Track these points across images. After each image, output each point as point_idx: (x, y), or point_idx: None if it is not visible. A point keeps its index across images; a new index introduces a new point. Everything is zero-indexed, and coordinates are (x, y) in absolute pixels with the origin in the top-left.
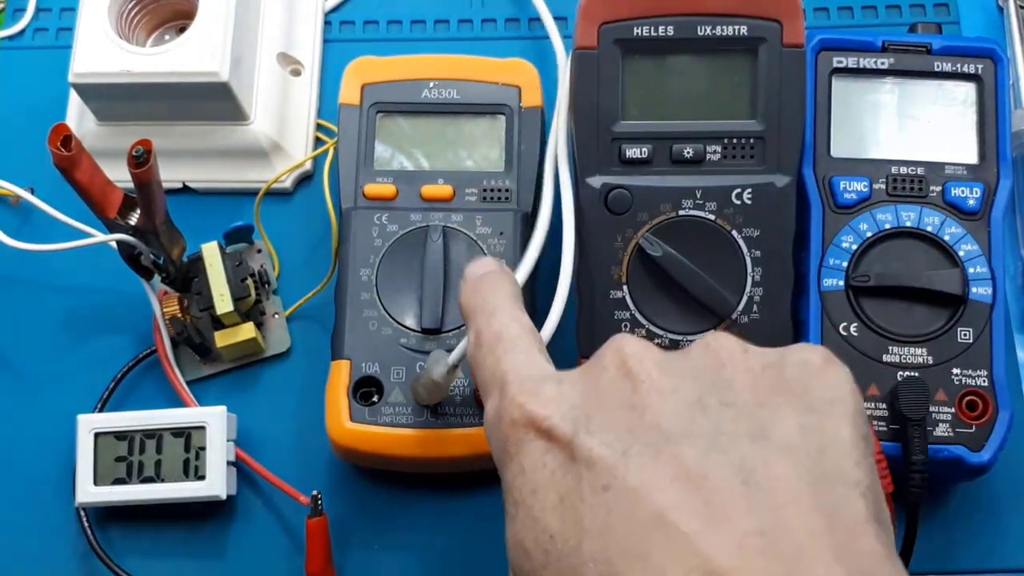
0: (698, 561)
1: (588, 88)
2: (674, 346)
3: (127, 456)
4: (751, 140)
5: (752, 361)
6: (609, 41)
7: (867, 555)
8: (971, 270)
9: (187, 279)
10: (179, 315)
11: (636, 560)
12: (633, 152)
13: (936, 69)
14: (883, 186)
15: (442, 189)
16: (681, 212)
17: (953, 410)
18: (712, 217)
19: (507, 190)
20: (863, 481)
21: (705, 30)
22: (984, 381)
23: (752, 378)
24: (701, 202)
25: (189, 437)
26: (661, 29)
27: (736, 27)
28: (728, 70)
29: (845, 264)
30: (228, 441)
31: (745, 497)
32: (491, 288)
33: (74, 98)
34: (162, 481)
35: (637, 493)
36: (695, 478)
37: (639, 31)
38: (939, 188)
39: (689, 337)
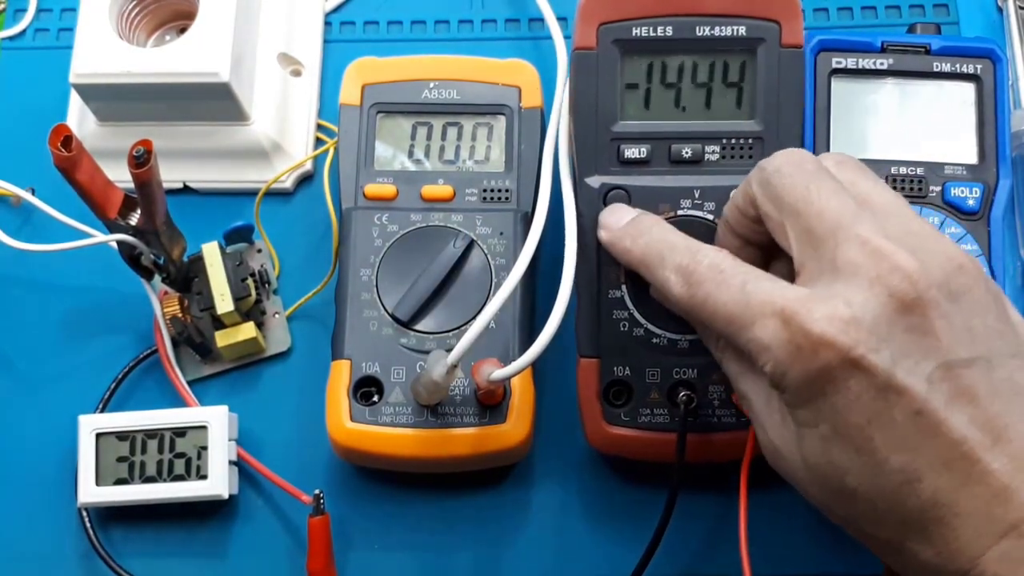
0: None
1: (587, 88)
2: (672, 346)
3: (129, 456)
4: (750, 140)
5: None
6: (608, 41)
7: None
8: None
9: (187, 279)
10: (179, 315)
11: (943, 471)
12: (632, 152)
13: (935, 69)
14: None
15: (442, 189)
16: (680, 212)
17: None
18: (711, 217)
19: (507, 190)
20: None
21: (704, 30)
22: None
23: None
24: (700, 202)
25: (191, 437)
26: (660, 29)
27: (735, 27)
28: (727, 70)
29: None
30: (229, 440)
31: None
32: (655, 228)
33: (75, 98)
34: (164, 481)
35: (941, 422)
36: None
37: (638, 31)
38: (938, 188)
39: (688, 337)
